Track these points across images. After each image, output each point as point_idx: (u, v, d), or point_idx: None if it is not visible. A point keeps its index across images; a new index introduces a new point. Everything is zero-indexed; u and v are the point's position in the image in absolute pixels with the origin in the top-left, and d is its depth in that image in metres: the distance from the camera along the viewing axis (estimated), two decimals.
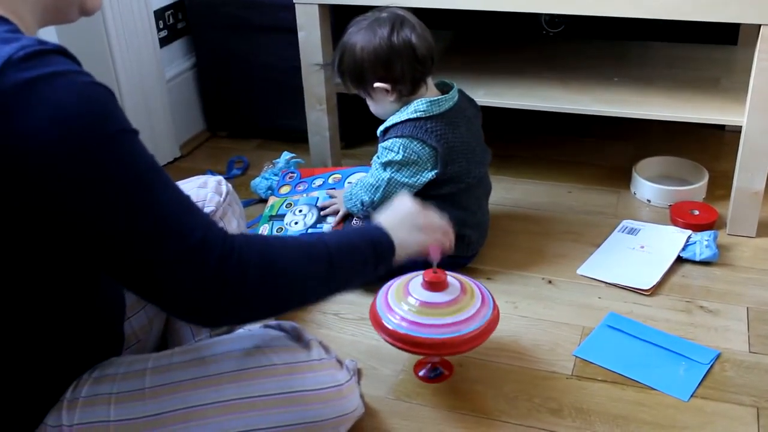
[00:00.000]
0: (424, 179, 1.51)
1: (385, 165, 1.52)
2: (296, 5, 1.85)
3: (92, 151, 0.80)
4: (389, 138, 1.52)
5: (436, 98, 1.51)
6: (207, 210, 1.37)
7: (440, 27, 2.42)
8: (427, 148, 1.49)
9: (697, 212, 1.78)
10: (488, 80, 1.96)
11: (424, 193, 1.52)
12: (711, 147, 2.14)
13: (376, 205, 1.55)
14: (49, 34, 1.89)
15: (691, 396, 1.29)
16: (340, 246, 1.01)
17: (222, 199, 1.40)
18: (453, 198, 1.54)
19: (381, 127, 1.57)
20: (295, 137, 2.17)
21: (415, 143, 1.49)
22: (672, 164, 1.99)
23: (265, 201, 1.91)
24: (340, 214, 1.66)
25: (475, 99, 1.84)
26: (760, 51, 1.55)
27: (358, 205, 1.59)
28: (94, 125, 0.80)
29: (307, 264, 0.96)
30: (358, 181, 1.61)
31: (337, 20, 1.97)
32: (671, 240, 1.69)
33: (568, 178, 2.03)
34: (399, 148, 1.50)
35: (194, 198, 1.36)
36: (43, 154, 0.78)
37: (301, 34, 1.88)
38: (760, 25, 1.53)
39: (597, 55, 2.12)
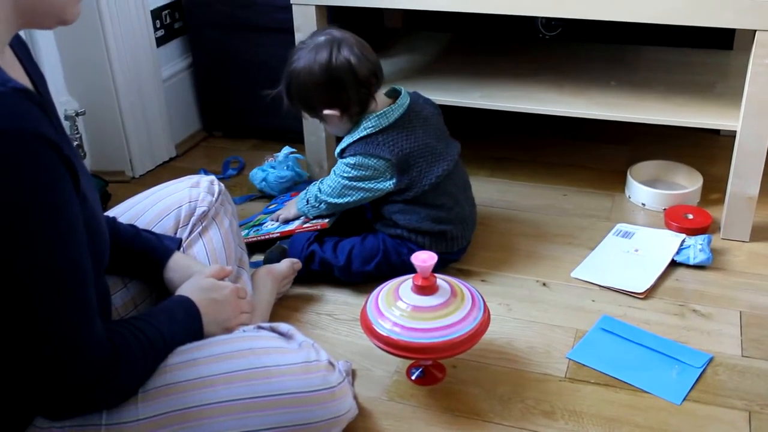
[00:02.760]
0: (381, 187, 1.54)
1: (342, 177, 1.56)
2: (293, 6, 1.85)
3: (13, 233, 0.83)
4: (346, 157, 1.56)
5: (382, 111, 1.53)
6: (199, 210, 1.37)
7: (437, 29, 2.43)
8: (381, 161, 1.52)
9: (691, 216, 1.78)
10: (484, 83, 1.96)
11: (391, 200, 1.56)
12: (706, 151, 2.14)
13: (331, 205, 1.59)
14: (47, 33, 1.89)
15: (684, 399, 1.29)
16: (172, 341, 1.07)
17: (214, 199, 1.40)
18: (421, 199, 1.55)
19: (337, 150, 1.60)
20: (291, 138, 2.17)
21: (369, 159, 1.53)
22: (667, 168, 1.99)
23: (261, 192, 1.98)
24: (287, 215, 1.69)
25: (471, 101, 1.85)
26: (755, 56, 1.55)
27: (312, 200, 1.62)
28: (24, 209, 0.83)
29: (153, 362, 1.04)
30: (315, 183, 1.66)
31: (334, 21, 1.97)
32: (665, 244, 1.70)
33: (563, 181, 2.03)
34: (354, 166, 1.54)
35: (186, 198, 1.38)
36: None
37: (298, 35, 1.88)
38: (755, 31, 1.54)
39: (593, 59, 2.12)
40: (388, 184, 1.54)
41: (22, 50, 1.01)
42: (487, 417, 1.27)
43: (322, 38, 1.52)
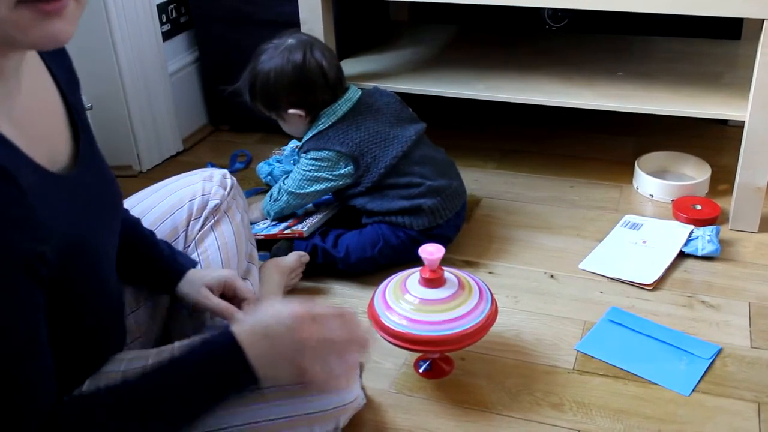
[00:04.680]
0: (342, 172, 1.60)
1: (303, 170, 1.63)
2: (299, 0, 1.85)
3: None
4: (302, 153, 1.64)
5: (330, 108, 1.62)
6: (211, 203, 1.37)
7: (443, 22, 2.42)
8: (333, 152, 1.60)
9: (699, 207, 1.77)
10: (491, 74, 1.96)
11: (356, 193, 1.61)
12: (714, 142, 2.13)
13: (293, 195, 1.64)
14: None
15: (693, 391, 1.29)
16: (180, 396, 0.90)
17: (226, 193, 1.40)
18: (382, 183, 1.60)
19: (297, 149, 1.69)
20: None
21: (322, 152, 1.60)
22: (675, 159, 1.98)
23: (267, 186, 1.97)
24: (251, 218, 1.69)
25: (477, 93, 1.86)
26: (763, 45, 1.54)
27: (275, 194, 1.67)
28: None
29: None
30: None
31: (340, 14, 1.97)
32: (673, 235, 1.69)
33: (571, 172, 2.02)
34: (311, 161, 1.61)
35: (200, 191, 1.37)
36: None
37: (303, 29, 1.87)
38: (763, 20, 1.53)
39: (600, 50, 2.11)
40: (348, 169, 1.60)
41: (52, 54, 0.95)
42: (496, 409, 1.27)
43: (293, 40, 1.60)
